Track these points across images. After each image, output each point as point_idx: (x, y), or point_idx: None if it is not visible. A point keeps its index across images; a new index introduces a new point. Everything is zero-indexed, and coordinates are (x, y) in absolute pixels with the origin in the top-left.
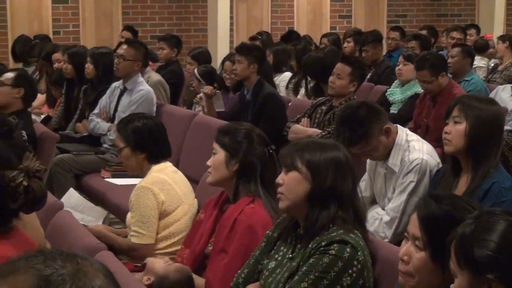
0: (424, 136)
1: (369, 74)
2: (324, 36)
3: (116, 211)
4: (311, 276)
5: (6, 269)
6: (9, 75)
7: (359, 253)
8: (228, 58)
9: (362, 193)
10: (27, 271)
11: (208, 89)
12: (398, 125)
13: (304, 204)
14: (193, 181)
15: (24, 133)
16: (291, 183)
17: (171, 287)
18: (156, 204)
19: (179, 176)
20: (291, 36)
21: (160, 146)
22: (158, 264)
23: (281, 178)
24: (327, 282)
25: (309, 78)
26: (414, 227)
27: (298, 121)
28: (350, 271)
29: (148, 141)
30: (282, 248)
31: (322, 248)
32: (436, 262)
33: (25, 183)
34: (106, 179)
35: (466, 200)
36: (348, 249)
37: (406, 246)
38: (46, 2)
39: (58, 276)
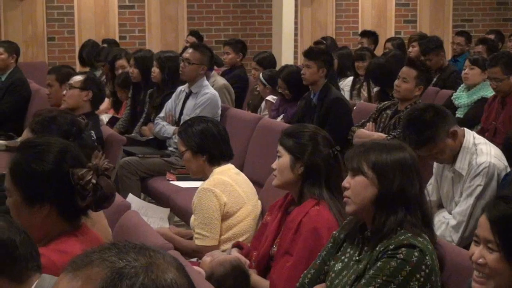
0: (491, 139)
1: (434, 79)
2: (388, 40)
3: (181, 213)
4: (378, 280)
5: (81, 262)
6: (78, 78)
7: (427, 258)
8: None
9: (429, 197)
10: (100, 264)
11: None
12: (465, 128)
13: (371, 208)
14: (258, 184)
15: (93, 133)
16: (358, 187)
17: (219, 282)
18: (219, 206)
19: (242, 178)
20: (368, 33)
21: (220, 149)
22: (203, 264)
23: (348, 181)
24: (395, 287)
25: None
26: (484, 230)
27: (363, 126)
28: (418, 276)
29: (209, 144)
30: (348, 250)
31: (390, 252)
32: (511, 263)
33: (94, 181)
34: (171, 182)
35: None
36: (416, 253)
37: (479, 250)
38: (112, 7)
39: (131, 269)
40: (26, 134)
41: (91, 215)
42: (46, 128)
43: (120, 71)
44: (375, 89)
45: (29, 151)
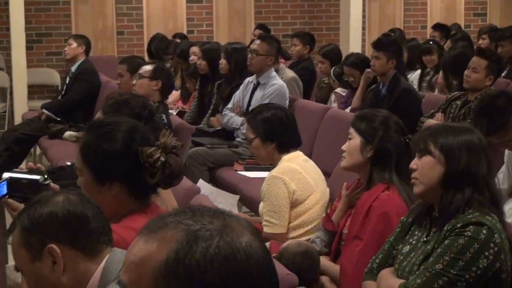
0: None
1: (505, 71)
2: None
3: (249, 203)
4: (446, 258)
5: (156, 225)
6: (148, 67)
7: (495, 236)
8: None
9: (500, 185)
10: (176, 226)
11: None
12: None
13: (439, 188)
14: (326, 174)
15: (164, 116)
16: (425, 167)
17: (289, 257)
18: (287, 194)
19: (310, 165)
20: (441, 27)
21: (289, 136)
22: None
23: (415, 163)
24: (463, 264)
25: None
26: None
27: (432, 116)
28: (486, 253)
29: (278, 131)
30: (416, 232)
31: (457, 230)
32: None
33: (162, 158)
34: (239, 172)
35: None
36: (484, 231)
37: None
38: (181, 1)
39: (206, 231)
40: (99, 116)
41: (161, 194)
42: (118, 110)
43: (193, 57)
44: (455, 82)
45: (98, 130)
